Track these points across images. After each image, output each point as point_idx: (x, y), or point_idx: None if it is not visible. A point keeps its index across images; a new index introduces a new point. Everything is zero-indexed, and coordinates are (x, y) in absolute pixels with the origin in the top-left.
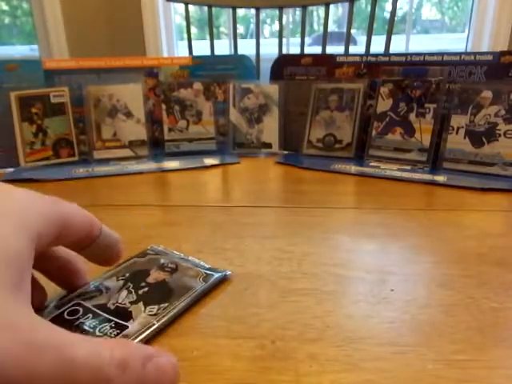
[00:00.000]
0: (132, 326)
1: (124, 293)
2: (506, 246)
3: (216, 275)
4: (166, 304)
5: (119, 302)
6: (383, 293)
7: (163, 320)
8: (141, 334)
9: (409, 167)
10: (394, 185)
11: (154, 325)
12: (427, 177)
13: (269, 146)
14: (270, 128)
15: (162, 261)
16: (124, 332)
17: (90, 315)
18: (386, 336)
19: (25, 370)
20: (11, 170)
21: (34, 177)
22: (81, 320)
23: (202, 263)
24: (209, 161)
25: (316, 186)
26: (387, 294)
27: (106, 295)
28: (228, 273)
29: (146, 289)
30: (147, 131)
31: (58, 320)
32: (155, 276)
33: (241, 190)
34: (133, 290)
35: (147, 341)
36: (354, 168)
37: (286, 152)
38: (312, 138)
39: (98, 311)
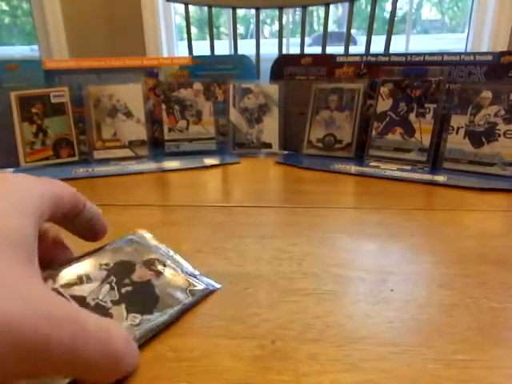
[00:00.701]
0: None
1: (106, 287)
2: (506, 246)
3: (204, 288)
4: (150, 316)
5: (100, 298)
6: (383, 293)
7: (144, 333)
8: None
9: (409, 167)
10: (393, 185)
11: (135, 339)
12: (427, 177)
13: (269, 146)
14: (270, 128)
15: (149, 256)
16: None
17: None
18: (386, 336)
19: (43, 341)
20: (11, 170)
21: None
22: None
23: (191, 269)
24: (209, 161)
25: (316, 186)
26: (387, 294)
27: (86, 286)
28: (218, 286)
29: (129, 288)
30: (147, 131)
31: None
32: (140, 274)
33: (241, 189)
34: (115, 287)
35: None
36: (354, 168)
37: (286, 152)
38: (312, 138)
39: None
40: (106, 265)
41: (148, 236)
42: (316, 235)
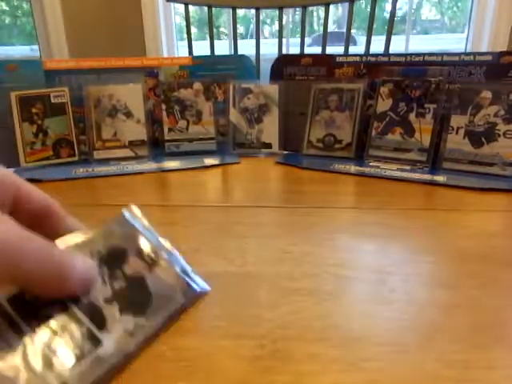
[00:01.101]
0: (107, 343)
1: (98, 283)
2: (505, 246)
3: (194, 289)
4: (143, 320)
5: (92, 296)
6: (383, 293)
7: (139, 342)
8: (115, 359)
9: (408, 167)
10: (393, 185)
11: (129, 351)
12: (427, 177)
13: (269, 146)
14: (270, 128)
15: (141, 242)
16: (97, 351)
17: (58, 306)
18: (386, 336)
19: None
20: (11, 170)
21: (35, 177)
22: (46, 308)
23: (182, 263)
24: (209, 161)
25: (316, 186)
26: (387, 294)
27: None
28: (208, 289)
29: (122, 283)
30: (147, 131)
31: (17, 301)
32: (133, 265)
33: (241, 189)
34: (108, 282)
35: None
36: (353, 168)
37: (286, 152)
38: (312, 138)
39: (67, 302)
40: (98, 252)
41: (139, 214)
42: (316, 235)
